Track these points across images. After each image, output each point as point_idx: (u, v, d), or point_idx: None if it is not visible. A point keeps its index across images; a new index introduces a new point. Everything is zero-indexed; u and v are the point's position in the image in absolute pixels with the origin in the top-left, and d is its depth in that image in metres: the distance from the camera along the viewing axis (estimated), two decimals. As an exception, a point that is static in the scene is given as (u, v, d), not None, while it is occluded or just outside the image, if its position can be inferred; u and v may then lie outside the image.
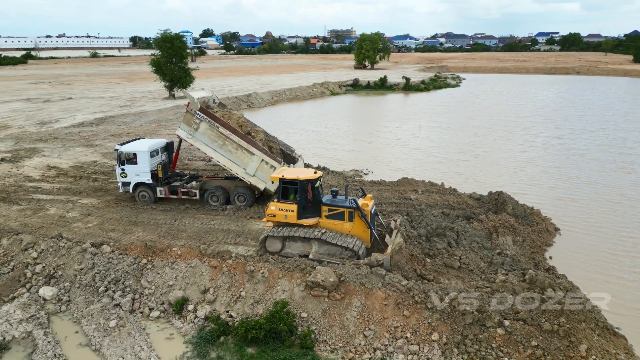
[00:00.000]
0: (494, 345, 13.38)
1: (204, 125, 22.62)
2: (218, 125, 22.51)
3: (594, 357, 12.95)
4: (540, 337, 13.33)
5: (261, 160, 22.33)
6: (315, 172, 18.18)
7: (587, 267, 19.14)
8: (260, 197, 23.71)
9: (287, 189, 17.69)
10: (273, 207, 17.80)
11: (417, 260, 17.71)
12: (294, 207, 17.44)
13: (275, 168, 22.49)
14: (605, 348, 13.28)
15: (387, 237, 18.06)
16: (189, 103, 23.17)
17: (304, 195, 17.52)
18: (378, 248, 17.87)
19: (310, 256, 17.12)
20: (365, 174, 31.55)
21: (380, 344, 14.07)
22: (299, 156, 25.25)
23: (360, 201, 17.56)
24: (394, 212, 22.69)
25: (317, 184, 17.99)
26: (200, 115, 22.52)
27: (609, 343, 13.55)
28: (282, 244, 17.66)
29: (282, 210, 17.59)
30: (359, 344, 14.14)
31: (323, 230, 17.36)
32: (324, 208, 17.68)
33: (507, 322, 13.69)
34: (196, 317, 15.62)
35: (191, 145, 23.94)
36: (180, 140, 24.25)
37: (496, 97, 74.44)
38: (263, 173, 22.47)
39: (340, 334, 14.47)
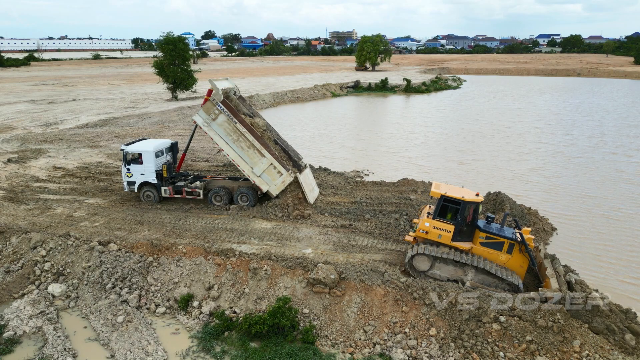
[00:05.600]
0: (489, 339, 13.82)
1: (222, 117, 22.64)
2: (236, 120, 22.58)
3: (587, 352, 13.34)
4: (535, 333, 13.76)
5: (270, 164, 22.64)
6: (477, 195, 16.70)
7: (584, 266, 19.52)
8: (262, 197, 24.14)
9: (446, 208, 16.64)
10: (427, 223, 16.80)
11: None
12: (451, 227, 16.49)
13: (282, 174, 22.74)
14: (599, 344, 13.60)
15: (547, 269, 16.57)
16: (210, 90, 23.05)
17: (465, 217, 16.49)
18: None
19: (468, 284, 16.03)
20: (366, 174, 31.99)
21: (379, 338, 14.52)
22: (305, 165, 25.17)
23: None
24: (393, 211, 23.12)
25: (480, 208, 16.98)
26: (220, 107, 22.57)
27: (604, 340, 13.90)
28: (431, 264, 16.69)
29: (437, 229, 16.64)
30: (359, 339, 14.60)
31: (483, 259, 16.31)
32: (481, 234, 16.54)
33: (502, 318, 14.11)
34: (201, 312, 16.09)
35: (205, 134, 23.72)
36: (195, 128, 24.40)
37: (495, 100, 74.72)
38: (269, 176, 22.86)
39: (340, 329, 14.93)
